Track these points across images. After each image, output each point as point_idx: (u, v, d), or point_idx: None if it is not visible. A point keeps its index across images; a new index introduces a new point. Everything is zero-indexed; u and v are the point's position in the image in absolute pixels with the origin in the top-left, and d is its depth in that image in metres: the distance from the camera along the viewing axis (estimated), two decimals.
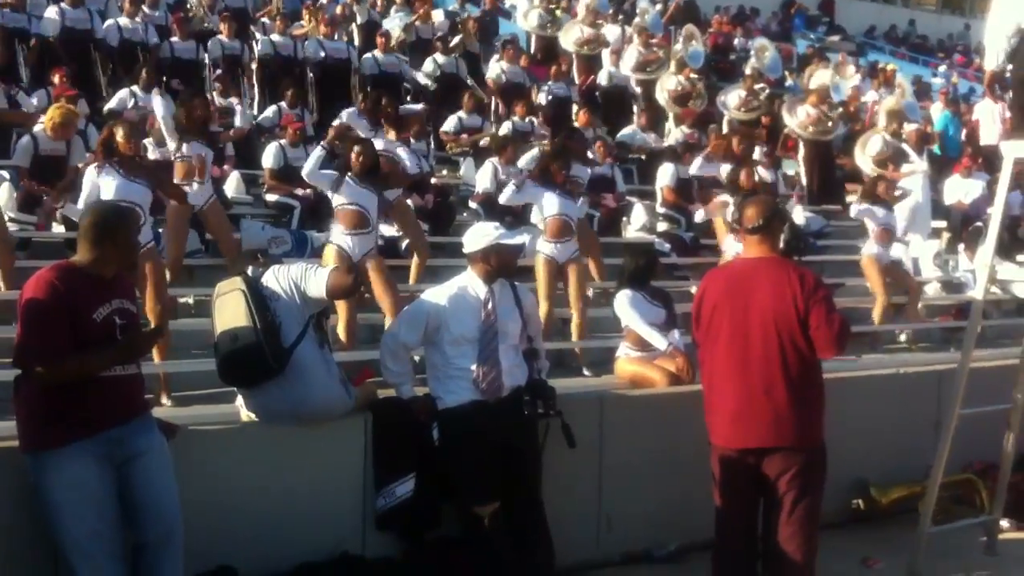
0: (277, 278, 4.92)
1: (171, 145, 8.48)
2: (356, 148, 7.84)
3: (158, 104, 8.97)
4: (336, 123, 9.76)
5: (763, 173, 11.79)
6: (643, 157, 13.27)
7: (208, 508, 4.50)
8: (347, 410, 5.05)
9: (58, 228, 8.76)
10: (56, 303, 3.91)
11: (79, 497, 3.91)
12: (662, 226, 11.37)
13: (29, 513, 4.06)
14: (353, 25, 14.93)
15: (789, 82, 17.74)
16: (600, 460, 5.70)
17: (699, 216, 10.93)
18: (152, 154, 9.07)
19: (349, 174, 7.74)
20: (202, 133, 8.53)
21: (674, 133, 13.60)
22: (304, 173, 7.82)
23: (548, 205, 8.73)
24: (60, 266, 4.12)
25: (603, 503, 5.72)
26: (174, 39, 12.29)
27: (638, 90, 14.92)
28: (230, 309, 4.78)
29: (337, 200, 7.72)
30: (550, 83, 13.93)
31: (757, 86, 14.72)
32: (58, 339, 3.90)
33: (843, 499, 6.42)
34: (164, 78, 11.52)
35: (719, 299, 4.68)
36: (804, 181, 13.45)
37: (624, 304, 6.81)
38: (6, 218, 7.97)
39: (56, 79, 10.18)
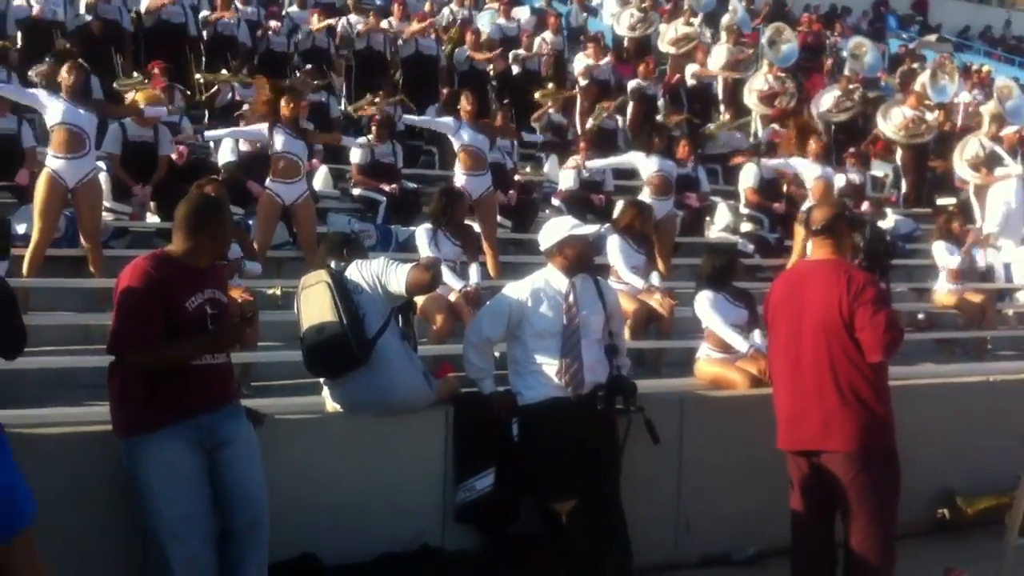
0: (360, 271, 4.98)
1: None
2: (466, 95, 9.39)
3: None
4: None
5: (851, 174, 11.62)
6: (729, 157, 13.14)
7: (291, 496, 4.57)
8: (429, 402, 5.11)
9: (152, 218, 8.99)
10: (150, 291, 4.01)
11: (172, 481, 4.01)
12: (746, 226, 11.26)
13: (121, 496, 4.18)
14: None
15: (883, 82, 17.40)
16: (680, 461, 5.67)
17: None
18: (244, 145, 9.31)
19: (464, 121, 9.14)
20: (296, 128, 8.59)
21: (760, 133, 13.46)
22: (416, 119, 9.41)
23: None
24: (155, 255, 4.23)
25: (682, 504, 5.70)
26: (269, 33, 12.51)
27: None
28: (316, 301, 4.87)
29: (457, 143, 9.16)
30: (637, 80, 13.88)
31: (851, 86, 14.48)
32: (152, 327, 4.00)
33: (928, 508, 6.32)
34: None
35: (779, 302, 4.73)
36: (901, 184, 13.19)
37: (705, 305, 6.77)
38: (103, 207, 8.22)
39: (156, 71, 10.41)
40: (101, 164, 8.85)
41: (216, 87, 11.21)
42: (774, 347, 4.76)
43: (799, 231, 10.23)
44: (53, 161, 7.57)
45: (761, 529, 5.61)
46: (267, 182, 8.42)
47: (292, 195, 8.38)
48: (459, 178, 9.17)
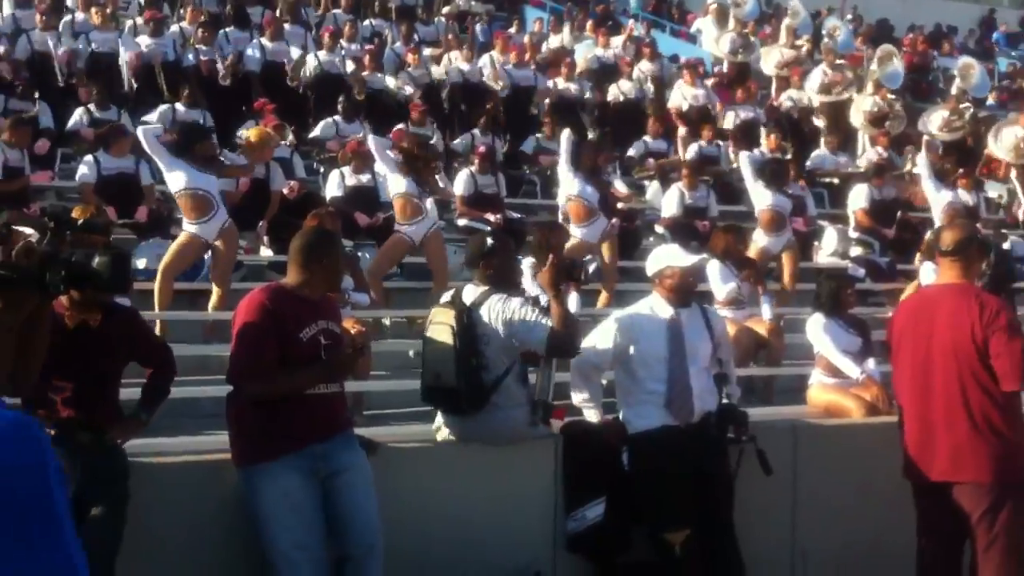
0: (491, 315, 4.77)
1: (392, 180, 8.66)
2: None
3: (370, 140, 9.15)
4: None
5: (964, 195, 11.30)
6: (835, 181, 12.93)
7: (404, 524, 4.59)
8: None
9: (265, 251, 9.21)
10: (266, 323, 4.11)
11: (286, 509, 4.09)
12: (855, 250, 11.03)
13: (239, 523, 4.27)
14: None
15: (990, 101, 16.95)
16: (794, 491, 5.56)
17: None
18: (350, 179, 9.49)
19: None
20: (415, 168, 8.63)
21: (867, 155, 13.21)
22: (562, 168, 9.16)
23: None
24: (270, 287, 4.35)
25: (797, 535, 5.58)
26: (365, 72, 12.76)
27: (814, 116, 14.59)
28: (439, 342, 4.82)
29: (568, 191, 9.04)
30: (737, 106, 13.77)
31: (961, 106, 14.14)
32: (268, 357, 4.10)
33: None
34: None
35: (904, 328, 4.58)
36: (1014, 204, 12.80)
37: (817, 329, 6.65)
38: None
39: (266, 109, 10.68)
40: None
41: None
42: (900, 375, 4.60)
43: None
44: (190, 227, 7.75)
45: (880, 561, 5.45)
46: (396, 226, 8.57)
47: (420, 232, 8.49)
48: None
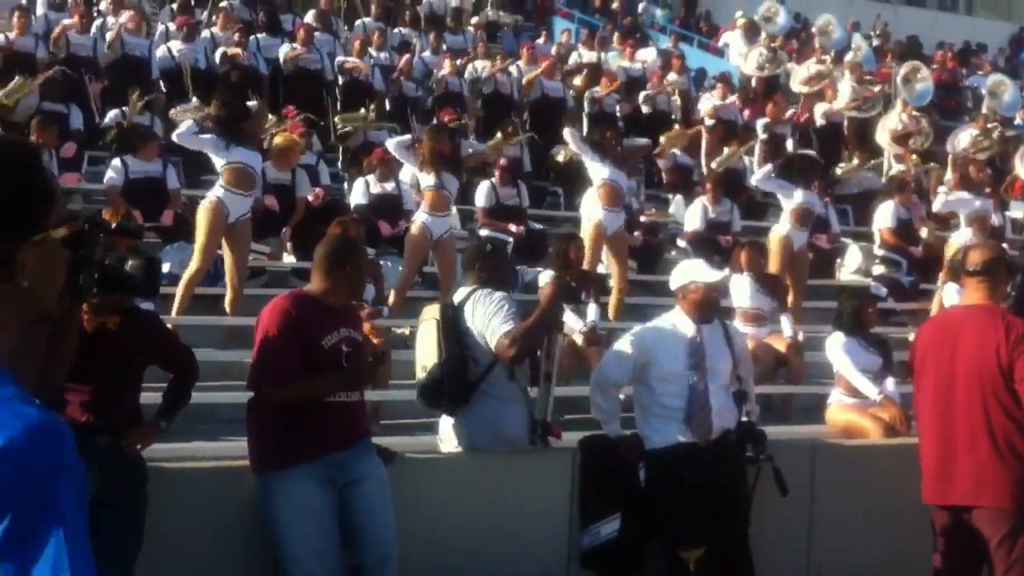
0: (474, 308, 4.85)
1: (423, 176, 8.70)
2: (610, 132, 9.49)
3: (390, 142, 9.20)
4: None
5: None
6: (859, 197, 12.87)
7: (420, 535, 4.61)
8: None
9: (289, 258, 9.26)
10: (289, 330, 4.14)
11: (303, 517, 4.11)
12: (878, 269, 10.96)
13: (256, 529, 4.29)
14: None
15: (1018, 120, 16.82)
16: (811, 511, 5.53)
17: None
18: (375, 187, 9.53)
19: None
20: (449, 166, 8.70)
21: (893, 172, 13.15)
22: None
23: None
24: (294, 294, 4.38)
25: (813, 554, 5.55)
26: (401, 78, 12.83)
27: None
28: (426, 339, 4.91)
29: (600, 176, 8.98)
30: (766, 120, 13.74)
31: (989, 125, 14.05)
32: (289, 364, 4.13)
33: None
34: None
35: (927, 348, 4.53)
36: None
37: (837, 348, 6.62)
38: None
39: (292, 115, 10.72)
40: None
41: (348, 129, 11.55)
42: (922, 395, 4.54)
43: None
44: (220, 191, 7.78)
45: None
46: (417, 214, 8.63)
47: (439, 231, 8.56)
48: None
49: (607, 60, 15.46)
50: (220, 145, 7.80)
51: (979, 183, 10.80)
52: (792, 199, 9.45)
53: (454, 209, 10.46)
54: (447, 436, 5.06)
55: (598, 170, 9.10)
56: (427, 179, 8.56)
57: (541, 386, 5.12)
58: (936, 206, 10.84)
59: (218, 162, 7.88)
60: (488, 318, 4.78)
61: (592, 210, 9.08)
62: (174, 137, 8.12)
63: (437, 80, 13.06)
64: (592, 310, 7.96)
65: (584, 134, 10.26)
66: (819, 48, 15.65)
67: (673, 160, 12.69)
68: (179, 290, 7.67)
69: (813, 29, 16.61)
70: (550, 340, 5.10)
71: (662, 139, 12.80)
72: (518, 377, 5.01)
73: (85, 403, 4.04)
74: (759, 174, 9.75)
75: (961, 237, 10.09)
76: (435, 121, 11.22)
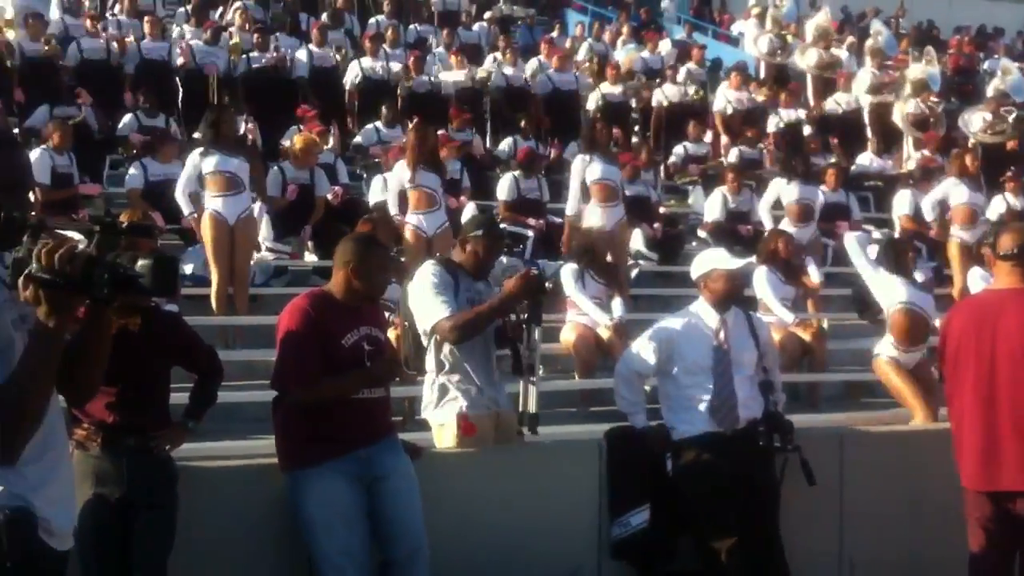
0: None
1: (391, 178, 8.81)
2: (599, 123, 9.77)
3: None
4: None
5: (1011, 199, 11.14)
6: (880, 184, 12.80)
7: (449, 530, 4.59)
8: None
9: (310, 257, 9.27)
10: (309, 329, 4.14)
11: (331, 514, 4.11)
12: None
13: (285, 527, 4.29)
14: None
15: None
16: (841, 500, 5.48)
17: None
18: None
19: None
20: (429, 163, 8.72)
21: (913, 158, 13.06)
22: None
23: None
24: (313, 294, 4.37)
25: (844, 545, 5.50)
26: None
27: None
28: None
29: (591, 176, 9.13)
30: (780, 109, 13.67)
31: (1003, 108, 13.92)
32: (311, 363, 4.13)
33: None
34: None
35: (964, 333, 4.44)
36: None
37: (892, 284, 6.72)
38: (264, 248, 8.55)
39: (310, 115, 10.75)
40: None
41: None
42: (960, 382, 4.43)
43: (955, 257, 9.93)
44: (212, 201, 8.04)
45: (929, 570, 5.37)
46: (408, 216, 8.62)
47: (431, 227, 8.57)
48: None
49: (617, 52, 15.41)
50: (194, 163, 8.09)
51: (973, 174, 10.71)
52: (788, 195, 9.61)
53: (470, 206, 10.50)
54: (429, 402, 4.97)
55: (590, 171, 9.19)
56: (404, 178, 8.58)
57: (524, 378, 5.08)
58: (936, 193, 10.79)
59: (206, 176, 8.07)
60: (427, 289, 4.71)
61: (591, 210, 9.14)
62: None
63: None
64: (617, 303, 7.95)
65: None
66: (822, 33, 15.39)
67: (687, 151, 12.65)
68: (213, 306, 7.88)
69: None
70: (530, 333, 5.02)
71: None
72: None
73: (111, 404, 4.04)
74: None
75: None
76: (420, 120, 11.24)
